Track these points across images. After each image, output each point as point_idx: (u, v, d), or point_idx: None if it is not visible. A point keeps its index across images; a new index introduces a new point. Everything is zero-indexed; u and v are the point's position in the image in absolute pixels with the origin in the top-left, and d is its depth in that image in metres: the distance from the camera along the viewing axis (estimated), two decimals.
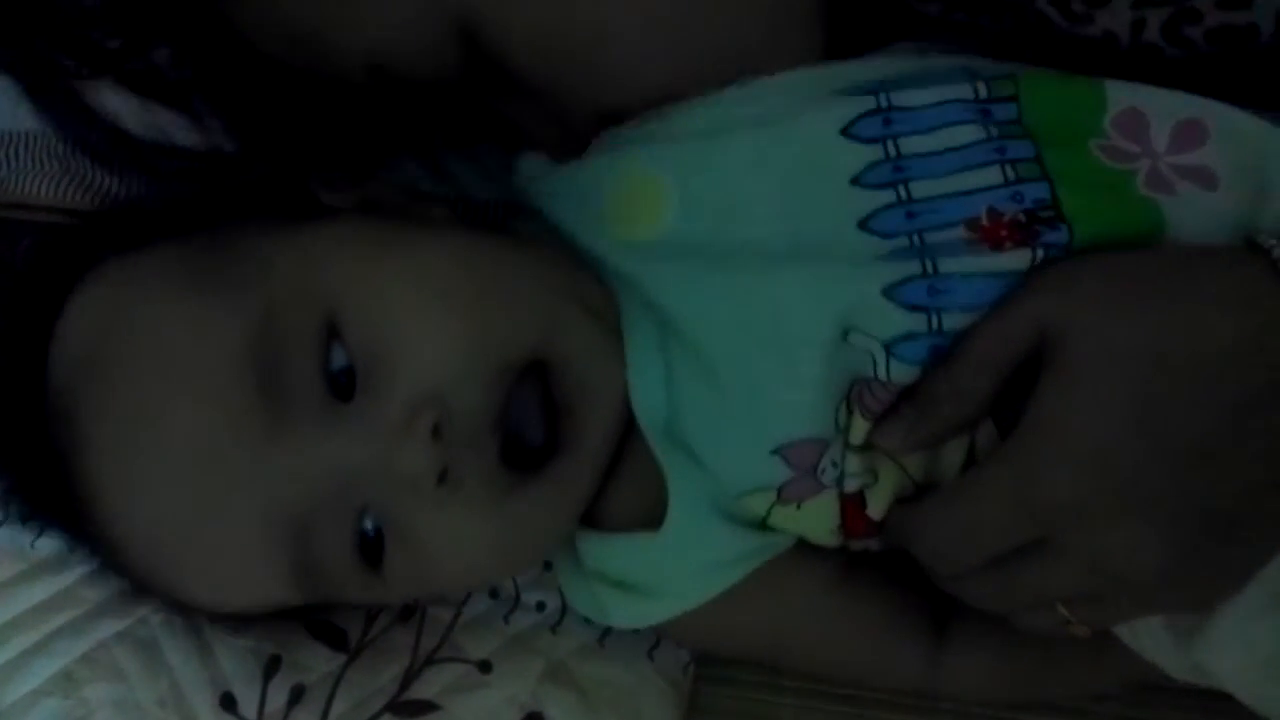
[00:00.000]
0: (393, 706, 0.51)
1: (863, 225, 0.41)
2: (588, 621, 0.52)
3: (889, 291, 0.40)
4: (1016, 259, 0.40)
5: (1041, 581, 0.40)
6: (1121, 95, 0.43)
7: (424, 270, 0.43)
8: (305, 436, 0.42)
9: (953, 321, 0.40)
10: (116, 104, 0.61)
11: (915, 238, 0.41)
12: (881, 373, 0.41)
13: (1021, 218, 0.41)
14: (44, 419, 0.44)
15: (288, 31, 0.43)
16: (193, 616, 0.51)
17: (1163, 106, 0.43)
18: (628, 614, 0.47)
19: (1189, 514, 0.37)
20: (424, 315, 0.42)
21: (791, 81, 0.46)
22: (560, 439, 0.44)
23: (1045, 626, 0.42)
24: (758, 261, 0.42)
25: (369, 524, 0.43)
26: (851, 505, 0.44)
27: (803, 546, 0.46)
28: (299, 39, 0.44)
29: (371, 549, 0.44)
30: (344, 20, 0.43)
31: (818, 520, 0.44)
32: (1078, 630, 0.41)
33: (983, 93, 0.43)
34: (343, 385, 0.42)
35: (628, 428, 0.45)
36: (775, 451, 0.42)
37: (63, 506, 0.46)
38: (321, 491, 0.42)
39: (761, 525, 0.45)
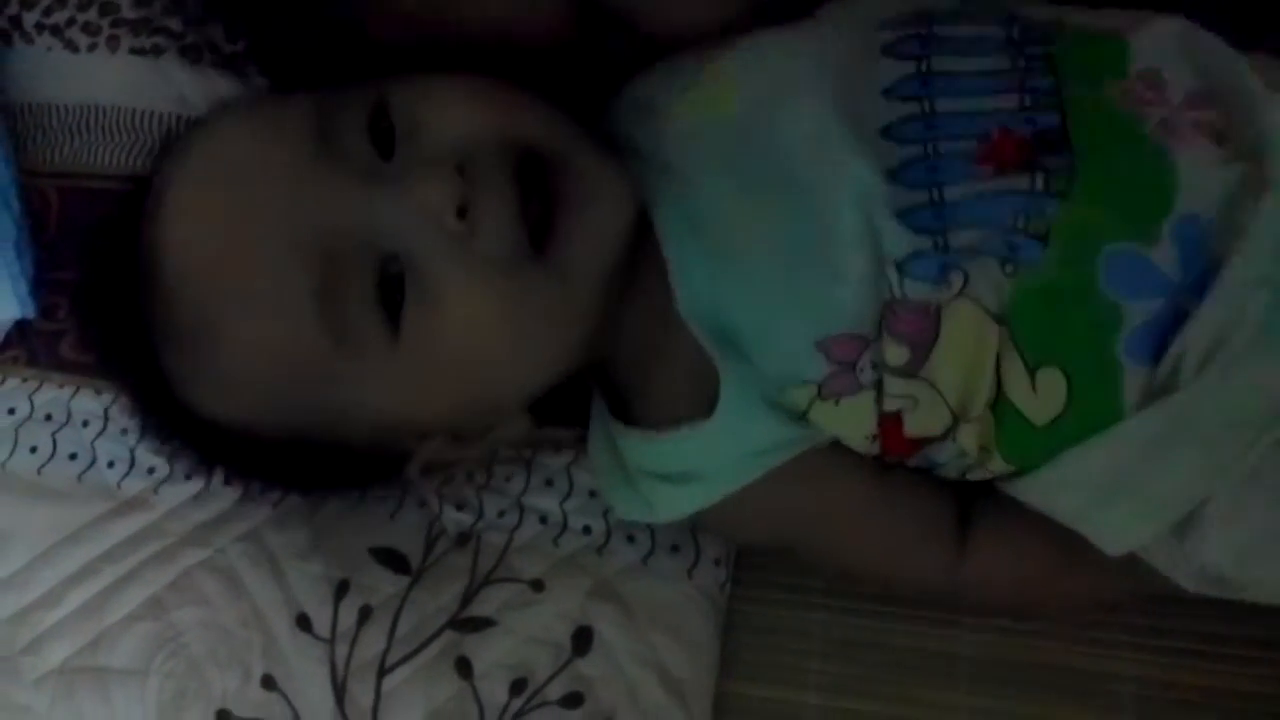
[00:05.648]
0: (454, 623, 0.55)
1: (884, 132, 0.45)
2: (631, 540, 0.55)
3: (901, 215, 0.44)
4: (1017, 181, 0.43)
5: None
6: (1144, 55, 0.46)
7: (460, 77, 0.48)
8: (348, 179, 0.45)
9: (957, 240, 0.43)
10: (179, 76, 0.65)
11: (929, 147, 0.44)
12: (897, 289, 0.44)
13: (1029, 137, 0.44)
14: None
15: (419, 19, 0.48)
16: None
17: (1180, 72, 0.45)
18: (673, 503, 0.50)
19: None
20: (456, 96, 0.47)
21: (846, 10, 0.49)
22: (558, 224, 0.46)
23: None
24: (801, 164, 0.46)
25: (393, 268, 0.45)
26: (890, 423, 0.47)
27: (840, 443, 0.49)
28: (428, 22, 0.48)
29: (391, 293, 0.45)
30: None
31: (854, 421, 0.47)
32: None
33: (1017, 35, 0.46)
34: (385, 143, 0.46)
35: (662, 315, 0.48)
36: (818, 345, 0.46)
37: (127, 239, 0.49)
38: (355, 228, 0.45)
39: (802, 418, 0.48)
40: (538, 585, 0.55)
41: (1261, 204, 0.43)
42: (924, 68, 0.46)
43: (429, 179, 0.45)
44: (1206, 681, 0.52)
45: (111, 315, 0.51)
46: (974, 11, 0.48)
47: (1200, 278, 0.43)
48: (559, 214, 0.46)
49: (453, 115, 0.47)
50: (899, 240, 0.44)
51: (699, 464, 0.49)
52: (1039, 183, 0.43)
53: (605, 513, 0.56)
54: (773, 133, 0.47)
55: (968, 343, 0.45)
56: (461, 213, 0.44)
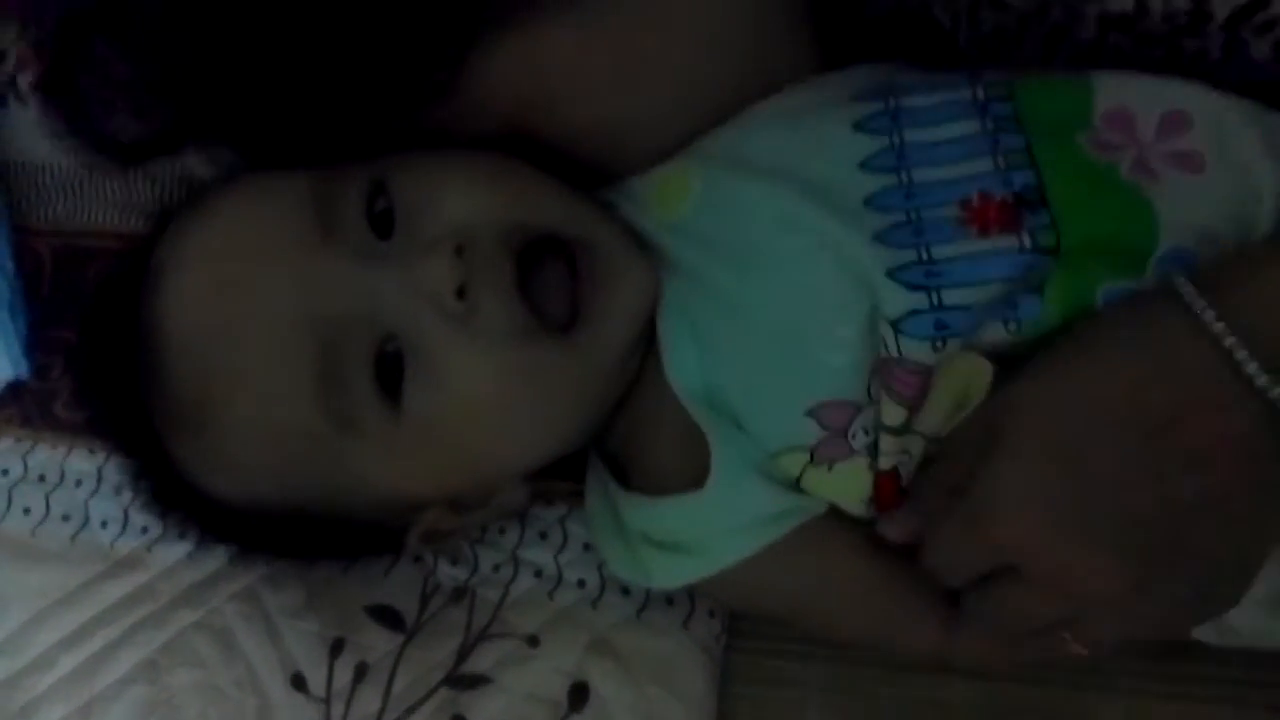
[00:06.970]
0: (450, 680, 0.54)
1: (867, 202, 0.46)
2: (626, 593, 0.55)
3: (892, 274, 0.44)
4: (1004, 241, 0.44)
5: (1023, 607, 0.42)
6: (1108, 92, 0.46)
7: (463, 156, 0.49)
8: (345, 260, 0.46)
9: (951, 297, 0.44)
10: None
11: (912, 214, 0.45)
12: (893, 348, 0.44)
13: (1010, 199, 0.44)
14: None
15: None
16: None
17: (1147, 100, 0.46)
18: (669, 572, 0.50)
19: (1133, 535, 0.39)
20: (455, 178, 0.47)
21: (812, 91, 0.50)
22: (583, 308, 0.47)
23: (1046, 647, 0.44)
24: (774, 238, 0.46)
25: (390, 347, 0.46)
26: (885, 480, 0.46)
27: (837, 512, 0.49)
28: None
29: (390, 372, 0.46)
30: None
31: (849, 486, 0.47)
32: (1076, 649, 0.44)
33: (980, 95, 0.47)
34: (383, 224, 0.47)
35: (653, 386, 0.48)
36: (809, 413, 0.46)
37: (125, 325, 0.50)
38: (352, 309, 0.45)
39: (796, 487, 0.48)
40: (533, 641, 0.55)
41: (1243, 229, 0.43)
42: (896, 141, 0.46)
43: (428, 259, 0.45)
44: None
45: (112, 397, 0.52)
46: (937, 81, 0.48)
47: None
48: (586, 291, 0.47)
49: (451, 198, 0.47)
50: (895, 298, 0.44)
51: (693, 534, 0.49)
52: (1025, 241, 0.44)
53: (600, 565, 0.56)
54: (740, 213, 0.47)
55: (955, 386, 0.44)
56: (461, 293, 0.45)
